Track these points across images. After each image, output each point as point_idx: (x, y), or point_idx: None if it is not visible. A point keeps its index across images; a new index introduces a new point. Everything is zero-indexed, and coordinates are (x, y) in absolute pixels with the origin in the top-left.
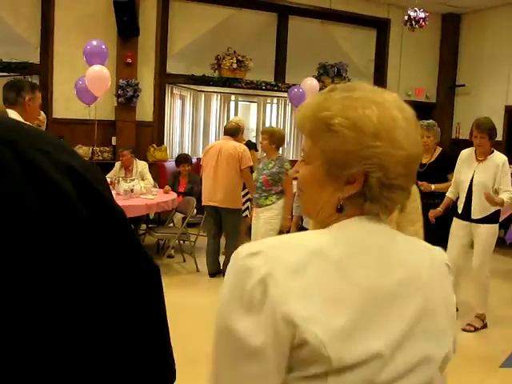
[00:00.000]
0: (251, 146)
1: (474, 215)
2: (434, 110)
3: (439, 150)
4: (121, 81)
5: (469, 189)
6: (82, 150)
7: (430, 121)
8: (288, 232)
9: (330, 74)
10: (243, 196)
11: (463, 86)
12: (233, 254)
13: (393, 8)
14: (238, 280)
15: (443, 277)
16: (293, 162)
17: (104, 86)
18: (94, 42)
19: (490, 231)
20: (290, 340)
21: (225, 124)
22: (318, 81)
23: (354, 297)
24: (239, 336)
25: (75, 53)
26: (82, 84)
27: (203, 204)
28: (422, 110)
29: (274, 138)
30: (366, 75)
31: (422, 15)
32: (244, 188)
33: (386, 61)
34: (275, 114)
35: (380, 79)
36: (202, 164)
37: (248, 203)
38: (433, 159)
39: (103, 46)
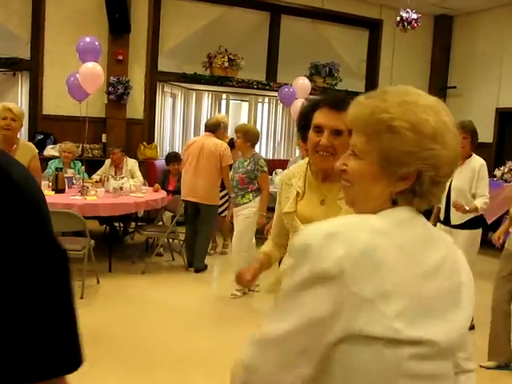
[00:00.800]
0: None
1: (453, 221)
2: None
3: None
4: (111, 78)
5: (447, 194)
6: (65, 145)
7: None
8: (262, 229)
9: (322, 73)
10: (222, 197)
11: (454, 87)
12: (306, 233)
13: (385, 9)
14: (315, 258)
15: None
16: (283, 162)
17: (97, 83)
18: (88, 39)
19: (469, 237)
20: (356, 314)
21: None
22: (310, 80)
23: (415, 278)
24: (309, 302)
25: (66, 49)
26: (74, 80)
27: (182, 198)
28: None
29: (249, 136)
30: (357, 75)
31: (415, 16)
32: (223, 187)
33: (377, 61)
34: (266, 113)
35: (372, 80)
36: (182, 158)
37: (226, 204)
38: None
39: (96, 43)
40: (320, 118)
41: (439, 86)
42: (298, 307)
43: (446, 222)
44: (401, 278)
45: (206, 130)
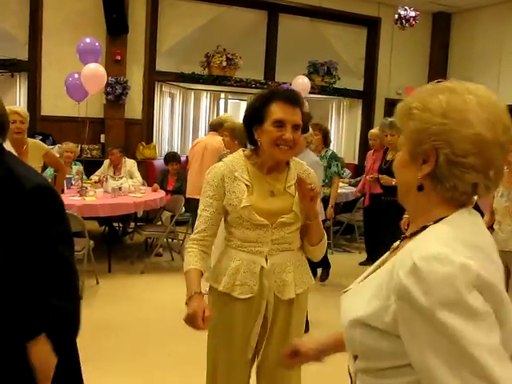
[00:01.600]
0: None
1: None
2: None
3: None
4: (110, 78)
5: None
6: (66, 146)
7: (394, 119)
8: None
9: (320, 72)
10: None
11: None
12: (438, 256)
13: (383, 6)
14: (457, 280)
15: None
16: None
17: (100, 84)
18: (88, 40)
19: None
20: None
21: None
22: (308, 79)
23: (500, 278)
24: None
25: (64, 50)
26: (73, 81)
27: (188, 196)
28: None
29: (236, 134)
30: (356, 74)
31: (413, 14)
32: None
33: (376, 59)
34: None
35: (370, 78)
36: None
37: None
38: None
39: (96, 44)
40: (280, 112)
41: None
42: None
43: None
44: (497, 284)
45: (209, 130)
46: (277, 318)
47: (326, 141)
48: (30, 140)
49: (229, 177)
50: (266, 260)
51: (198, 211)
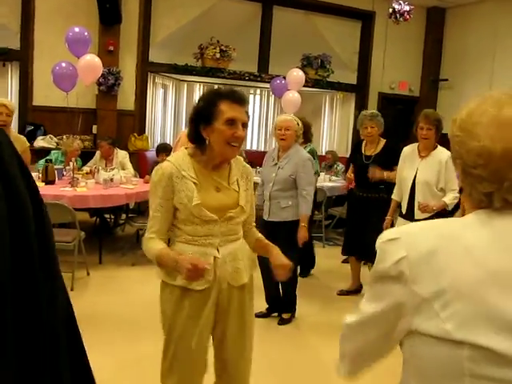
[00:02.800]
0: None
1: (418, 216)
2: (417, 104)
3: (383, 141)
4: (102, 69)
5: (412, 187)
6: (77, 144)
7: (374, 111)
8: None
9: (314, 65)
10: None
11: (446, 80)
12: (380, 237)
13: (378, 0)
14: (378, 259)
15: None
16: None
17: (95, 75)
18: (77, 29)
19: None
20: (415, 312)
21: None
22: (302, 72)
23: (480, 278)
24: (382, 293)
25: (56, 39)
26: (59, 70)
27: None
28: (406, 103)
29: None
30: (350, 67)
31: (407, 8)
32: None
33: (370, 53)
34: (258, 104)
35: (364, 72)
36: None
37: None
38: (377, 151)
39: (86, 33)
40: (231, 111)
41: (431, 78)
42: (375, 296)
43: (409, 217)
44: (461, 281)
45: None
46: (231, 304)
47: (306, 136)
48: (13, 133)
49: (176, 176)
50: (218, 250)
51: (150, 211)
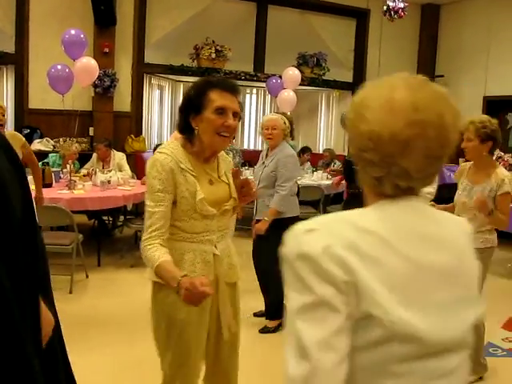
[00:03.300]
0: None
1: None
2: None
3: None
4: (98, 71)
5: None
6: (75, 147)
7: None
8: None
9: (310, 63)
10: None
11: (442, 76)
12: (288, 234)
13: None
14: (302, 254)
15: (471, 248)
16: None
17: (91, 77)
18: (73, 31)
19: None
20: (356, 304)
21: None
22: (298, 71)
23: (408, 269)
24: (324, 300)
25: (51, 42)
26: (55, 72)
27: None
28: None
29: None
30: (345, 65)
31: (401, 5)
32: None
33: (365, 51)
34: (254, 104)
35: (359, 69)
36: None
37: None
38: None
39: (82, 36)
40: (221, 100)
41: (427, 75)
42: (308, 287)
43: None
44: (385, 272)
45: None
46: (225, 302)
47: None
48: (8, 132)
49: (176, 169)
50: (216, 247)
51: (149, 208)
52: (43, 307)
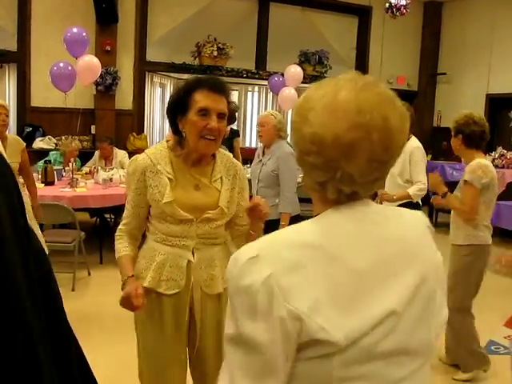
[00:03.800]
0: (234, 133)
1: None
2: (415, 98)
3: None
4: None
5: None
6: (75, 144)
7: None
8: None
9: (312, 61)
10: None
11: (444, 74)
12: (231, 260)
13: None
14: (241, 286)
15: (429, 241)
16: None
17: (94, 75)
18: (75, 30)
19: None
20: (297, 333)
21: None
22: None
23: (353, 280)
24: (248, 337)
25: (53, 40)
26: (58, 70)
27: None
28: (404, 98)
29: None
30: (347, 63)
31: (403, 2)
32: None
33: (367, 48)
34: (256, 101)
35: (362, 67)
36: None
37: None
38: None
39: (84, 34)
40: (205, 100)
41: (429, 72)
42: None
43: None
44: (333, 287)
45: None
46: (206, 314)
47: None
48: (11, 136)
49: (150, 170)
50: (193, 254)
51: (125, 203)
52: None
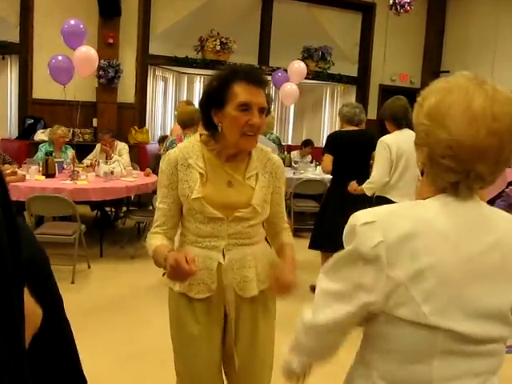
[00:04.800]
0: None
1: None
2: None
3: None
4: (102, 61)
5: None
6: (61, 131)
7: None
8: None
9: (315, 57)
10: None
11: (448, 71)
12: (350, 220)
13: None
14: (355, 244)
15: None
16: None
17: (91, 67)
18: (72, 22)
19: None
20: (389, 295)
21: None
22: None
23: (457, 264)
24: (353, 273)
25: (55, 33)
26: (56, 63)
27: None
28: (406, 95)
29: (178, 119)
30: (350, 59)
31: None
32: None
33: (371, 45)
34: None
35: (365, 63)
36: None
37: None
38: None
39: (81, 26)
40: (245, 94)
41: (432, 70)
42: (345, 276)
43: None
44: (439, 265)
45: None
46: (241, 318)
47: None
48: None
49: (182, 164)
50: (224, 255)
51: (157, 203)
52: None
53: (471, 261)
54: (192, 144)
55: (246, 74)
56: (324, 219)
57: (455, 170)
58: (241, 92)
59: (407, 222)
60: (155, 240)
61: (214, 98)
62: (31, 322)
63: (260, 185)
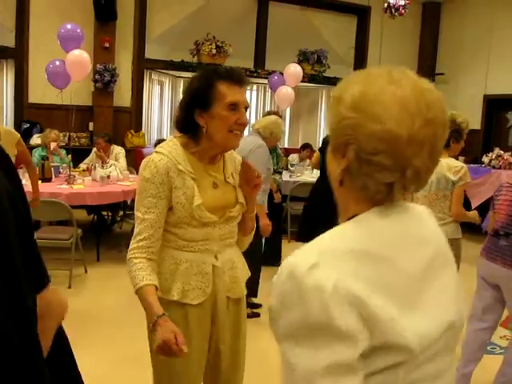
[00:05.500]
0: None
1: None
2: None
3: None
4: (98, 65)
5: None
6: (54, 134)
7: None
8: None
9: (310, 60)
10: None
11: (442, 74)
12: (287, 268)
13: None
14: (308, 298)
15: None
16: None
17: (84, 71)
18: (69, 26)
19: None
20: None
21: None
22: None
23: (403, 281)
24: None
25: (51, 37)
26: (53, 68)
27: None
28: None
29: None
30: (346, 62)
31: (402, 3)
32: None
33: (366, 48)
34: (255, 100)
35: (360, 67)
36: None
37: None
38: None
39: (78, 30)
40: (233, 94)
41: (427, 72)
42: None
43: None
44: (395, 292)
45: None
46: (228, 318)
47: None
48: (3, 128)
49: (173, 171)
50: (216, 258)
51: (139, 214)
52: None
53: (411, 277)
54: (174, 148)
55: (228, 74)
56: (309, 209)
57: (390, 168)
58: (227, 92)
59: (348, 258)
60: (142, 271)
61: (199, 98)
62: (55, 312)
63: (236, 183)
